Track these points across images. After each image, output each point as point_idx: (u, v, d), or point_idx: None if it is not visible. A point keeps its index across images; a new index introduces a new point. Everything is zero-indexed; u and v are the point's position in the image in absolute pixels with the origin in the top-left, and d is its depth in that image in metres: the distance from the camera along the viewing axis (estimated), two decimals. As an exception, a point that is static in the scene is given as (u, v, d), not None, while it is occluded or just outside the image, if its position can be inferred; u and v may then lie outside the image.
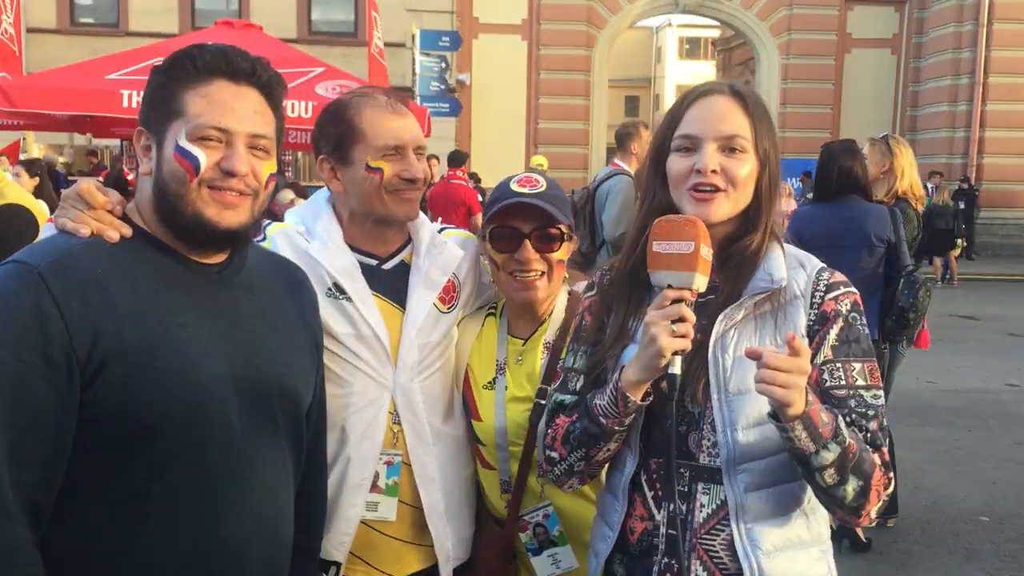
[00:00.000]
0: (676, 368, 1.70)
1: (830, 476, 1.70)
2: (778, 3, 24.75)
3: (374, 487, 2.25)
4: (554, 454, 1.93)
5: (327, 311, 2.15)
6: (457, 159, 12.43)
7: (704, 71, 48.26)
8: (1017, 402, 8.80)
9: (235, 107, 1.69)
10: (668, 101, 54.34)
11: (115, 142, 15.52)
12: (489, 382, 2.36)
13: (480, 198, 18.35)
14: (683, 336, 1.68)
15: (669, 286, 1.71)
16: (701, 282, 1.71)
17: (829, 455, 1.67)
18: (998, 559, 5.25)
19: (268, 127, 1.75)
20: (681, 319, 1.68)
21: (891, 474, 1.80)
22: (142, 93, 1.75)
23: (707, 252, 1.72)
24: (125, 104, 8.67)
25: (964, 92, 23.18)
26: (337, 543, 2.22)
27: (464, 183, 12.28)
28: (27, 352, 1.50)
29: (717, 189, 1.83)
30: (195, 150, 1.66)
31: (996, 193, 21.55)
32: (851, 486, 1.72)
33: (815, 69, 24.85)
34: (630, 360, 1.78)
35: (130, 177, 12.08)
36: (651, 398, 1.80)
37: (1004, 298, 16.07)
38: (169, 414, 1.60)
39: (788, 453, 1.72)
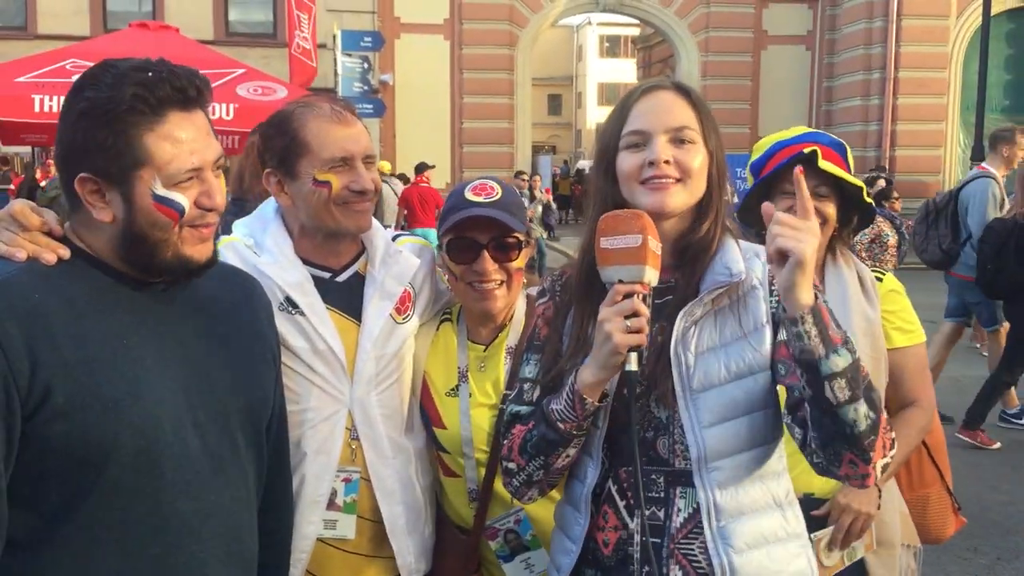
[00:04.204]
0: (633, 365, 1.66)
1: (840, 389, 1.60)
2: (696, 1, 25.17)
3: (332, 505, 2.20)
4: (511, 464, 1.89)
5: (281, 326, 2.09)
6: (423, 167, 16.57)
7: (625, 69, 48.91)
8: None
9: (195, 139, 1.63)
10: (590, 99, 54.96)
11: (26, 149, 14.93)
12: (452, 389, 2.31)
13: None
14: (638, 331, 1.65)
15: (620, 281, 1.68)
16: (652, 275, 1.68)
17: (840, 360, 1.60)
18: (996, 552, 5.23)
19: (218, 142, 1.70)
20: (635, 314, 1.65)
21: (893, 435, 1.72)
22: (72, 134, 1.59)
23: (655, 245, 1.69)
24: (36, 109, 8.35)
25: (876, 86, 23.88)
26: (294, 560, 2.16)
27: (429, 186, 16.56)
28: None
29: (672, 179, 1.80)
30: (176, 196, 1.61)
31: (908, 184, 22.17)
32: (863, 410, 1.61)
33: (733, 66, 25.34)
34: (586, 361, 1.74)
35: (43, 184, 11.66)
36: (608, 399, 1.78)
37: (926, 285, 16.42)
38: (119, 440, 1.54)
39: (797, 362, 1.64)
